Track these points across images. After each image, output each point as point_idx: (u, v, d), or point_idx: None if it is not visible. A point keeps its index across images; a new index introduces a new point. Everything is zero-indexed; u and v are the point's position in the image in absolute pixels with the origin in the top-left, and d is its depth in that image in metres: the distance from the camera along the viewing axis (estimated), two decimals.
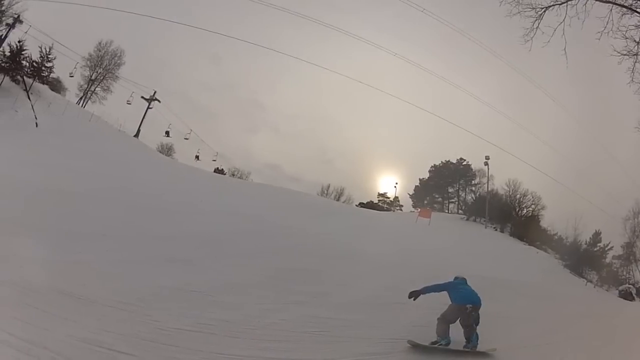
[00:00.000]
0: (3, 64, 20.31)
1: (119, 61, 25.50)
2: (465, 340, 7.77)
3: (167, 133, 24.67)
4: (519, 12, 15.46)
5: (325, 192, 27.60)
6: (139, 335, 6.21)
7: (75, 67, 23.50)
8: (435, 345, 7.64)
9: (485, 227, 27.11)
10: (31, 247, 8.39)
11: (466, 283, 8.36)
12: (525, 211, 27.81)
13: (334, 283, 11.04)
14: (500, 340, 8.21)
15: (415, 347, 7.52)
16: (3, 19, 20.12)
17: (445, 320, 7.84)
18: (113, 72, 25.43)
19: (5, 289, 6.67)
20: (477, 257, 19.76)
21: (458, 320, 7.84)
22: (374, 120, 27.15)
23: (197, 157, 25.00)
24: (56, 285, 7.18)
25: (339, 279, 11.47)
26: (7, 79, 20.26)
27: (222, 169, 26.59)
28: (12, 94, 19.72)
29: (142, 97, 24.19)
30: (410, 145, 27.71)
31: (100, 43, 25.27)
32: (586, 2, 15.14)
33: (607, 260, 25.40)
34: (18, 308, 6.17)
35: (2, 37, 20.32)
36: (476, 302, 7.91)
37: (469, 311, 7.80)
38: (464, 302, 7.89)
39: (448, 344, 7.70)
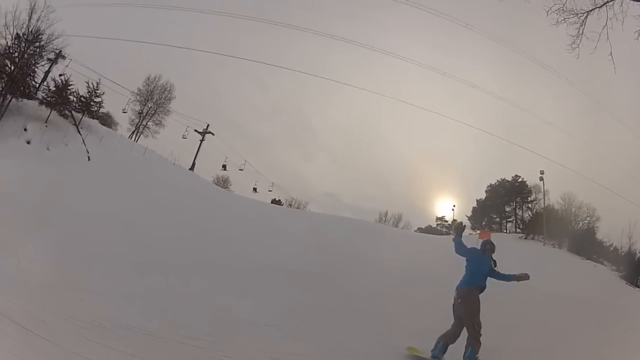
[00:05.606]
0: (50, 99, 20.58)
1: (169, 95, 25.65)
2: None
3: (224, 167, 24.57)
4: (564, 20, 14.86)
5: (384, 218, 26.90)
6: None
7: (127, 103, 23.64)
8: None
9: (544, 245, 25.99)
10: (94, 279, 8.10)
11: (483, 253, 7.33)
12: (580, 224, 26.58)
13: (405, 309, 10.42)
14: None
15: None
16: (44, 53, 20.39)
17: (454, 323, 6.91)
18: (164, 106, 25.64)
19: (66, 323, 6.35)
20: (537, 274, 18.77)
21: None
22: (427, 141, 26.38)
23: (254, 189, 24.85)
24: (120, 319, 6.78)
25: (410, 304, 10.88)
26: (54, 113, 20.48)
27: (280, 200, 26.39)
28: (61, 128, 20.02)
29: (196, 130, 24.26)
30: (465, 165, 26.80)
31: (148, 78, 25.50)
32: (622, 3, 14.44)
33: None
34: (81, 345, 5.81)
35: (46, 73, 20.62)
36: (459, 286, 6.98)
37: (456, 301, 6.86)
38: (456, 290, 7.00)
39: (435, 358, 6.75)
